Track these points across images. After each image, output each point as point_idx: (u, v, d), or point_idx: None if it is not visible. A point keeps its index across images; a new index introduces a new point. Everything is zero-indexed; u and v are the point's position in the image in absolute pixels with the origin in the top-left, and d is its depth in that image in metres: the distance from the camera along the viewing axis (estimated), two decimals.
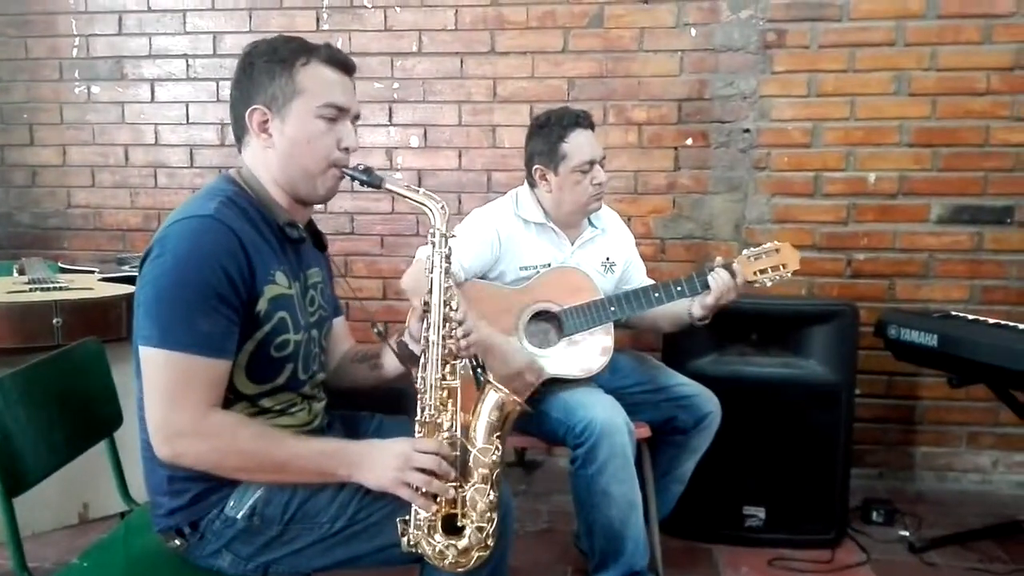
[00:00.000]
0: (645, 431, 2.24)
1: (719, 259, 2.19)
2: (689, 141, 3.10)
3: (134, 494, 1.75)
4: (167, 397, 1.33)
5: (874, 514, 2.79)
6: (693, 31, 3.04)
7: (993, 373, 2.33)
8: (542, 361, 2.19)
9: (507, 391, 1.45)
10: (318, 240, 1.66)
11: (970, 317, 2.54)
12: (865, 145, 3.02)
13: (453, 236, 1.50)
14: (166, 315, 1.33)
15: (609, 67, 3.09)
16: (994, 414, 3.03)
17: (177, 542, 1.45)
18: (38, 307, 2.35)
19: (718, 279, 2.13)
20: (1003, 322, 2.47)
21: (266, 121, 1.46)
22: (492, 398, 1.45)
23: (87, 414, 1.69)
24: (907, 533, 2.70)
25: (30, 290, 2.50)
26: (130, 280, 2.61)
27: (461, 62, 3.17)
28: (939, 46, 2.95)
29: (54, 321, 2.33)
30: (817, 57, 3.00)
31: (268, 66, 1.45)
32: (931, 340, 2.41)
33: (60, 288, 2.52)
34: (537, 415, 2.14)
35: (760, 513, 2.60)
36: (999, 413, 2.97)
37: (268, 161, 1.48)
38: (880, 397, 3.11)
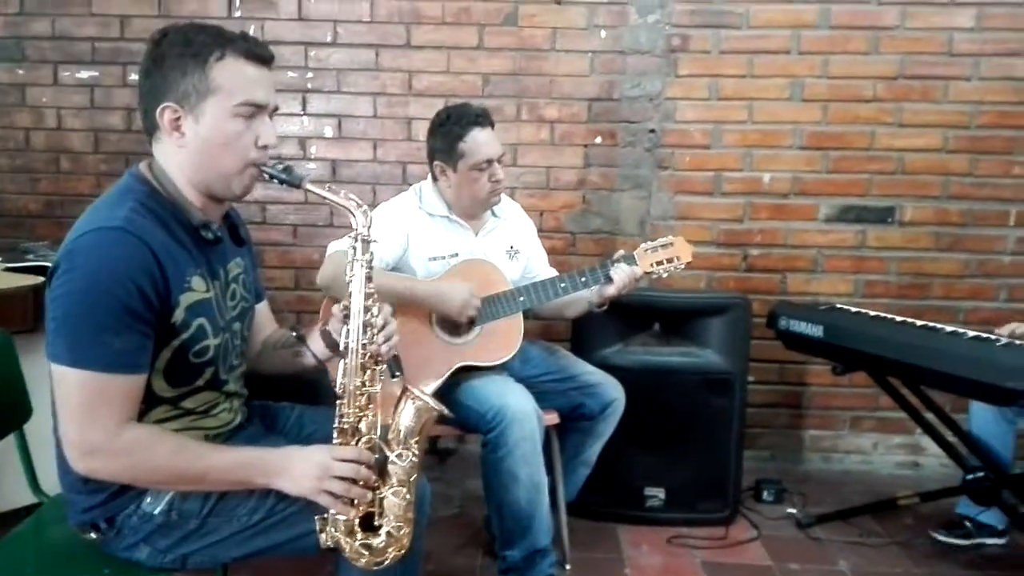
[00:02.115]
0: (554, 418, 2.34)
1: (620, 252, 2.33)
2: (598, 139, 3.21)
3: (44, 486, 1.73)
4: (80, 415, 1.31)
5: (765, 493, 2.98)
6: (603, 33, 3.14)
7: (873, 362, 2.50)
8: (456, 351, 2.27)
9: (425, 398, 1.47)
10: (236, 234, 1.63)
11: (853, 310, 2.70)
12: (761, 147, 3.19)
13: (375, 241, 1.50)
14: (76, 334, 1.30)
15: (522, 65, 3.17)
16: (874, 400, 3.25)
17: (93, 535, 1.45)
18: None
19: (620, 272, 2.26)
20: (883, 315, 2.64)
21: (178, 119, 1.39)
22: (410, 405, 1.47)
23: None
24: (794, 510, 2.90)
25: None
26: (36, 271, 2.53)
27: (376, 54, 3.19)
28: (830, 55, 3.14)
29: None
30: (718, 62, 3.15)
31: (180, 60, 1.37)
32: (817, 331, 2.58)
33: None
34: (450, 404, 2.21)
35: (660, 493, 2.75)
36: (879, 399, 3.18)
37: (181, 160, 1.42)
38: (771, 384, 3.31)
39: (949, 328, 2.39)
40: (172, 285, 1.36)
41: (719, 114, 3.18)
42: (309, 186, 1.46)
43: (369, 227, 1.47)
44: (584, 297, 2.36)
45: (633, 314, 2.73)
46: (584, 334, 2.76)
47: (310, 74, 3.20)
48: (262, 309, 1.75)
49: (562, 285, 2.31)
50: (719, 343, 2.72)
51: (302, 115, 3.23)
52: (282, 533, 1.44)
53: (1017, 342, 2.23)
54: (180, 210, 1.44)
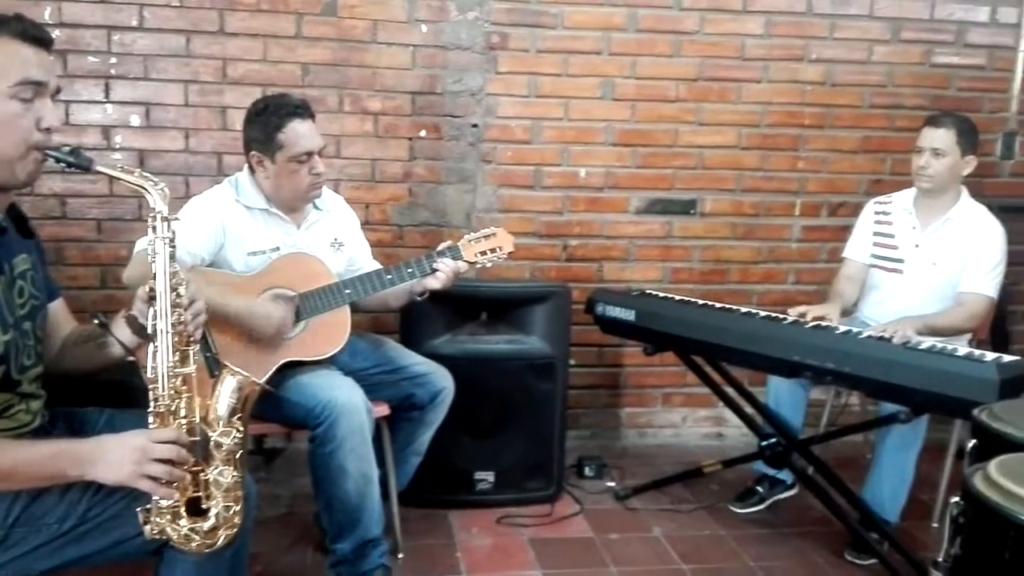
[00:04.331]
0: (384, 409, 2.36)
1: (445, 243, 2.37)
2: (423, 133, 3.23)
3: None
4: None
5: (586, 469, 3.15)
6: (424, 27, 3.17)
7: (679, 342, 2.71)
8: (280, 346, 2.23)
9: (245, 373, 1.47)
10: (23, 226, 1.55)
11: (661, 295, 2.91)
12: (577, 143, 3.35)
13: (176, 219, 1.48)
14: None
15: (343, 56, 3.13)
16: (682, 377, 3.46)
17: None
18: None
19: (444, 263, 2.32)
20: (687, 299, 2.86)
21: None
22: (230, 381, 1.46)
23: None
24: (613, 484, 3.09)
25: None
26: None
27: (187, 40, 3.04)
28: (638, 57, 3.33)
29: None
30: (536, 60, 3.26)
31: None
32: (630, 315, 2.75)
33: None
34: (276, 400, 2.17)
35: (490, 477, 2.84)
36: (686, 376, 3.34)
37: None
38: (591, 366, 3.49)
39: (744, 309, 2.64)
40: None
41: (538, 111, 3.30)
42: (100, 168, 1.43)
43: (168, 204, 1.46)
44: (408, 286, 2.38)
45: (460, 304, 2.80)
46: (413, 325, 2.79)
47: (113, 59, 3.00)
48: (58, 308, 1.67)
49: (388, 277, 2.33)
50: (542, 330, 2.84)
51: (105, 103, 3.03)
52: (97, 541, 1.39)
53: (802, 321, 2.50)
54: None
